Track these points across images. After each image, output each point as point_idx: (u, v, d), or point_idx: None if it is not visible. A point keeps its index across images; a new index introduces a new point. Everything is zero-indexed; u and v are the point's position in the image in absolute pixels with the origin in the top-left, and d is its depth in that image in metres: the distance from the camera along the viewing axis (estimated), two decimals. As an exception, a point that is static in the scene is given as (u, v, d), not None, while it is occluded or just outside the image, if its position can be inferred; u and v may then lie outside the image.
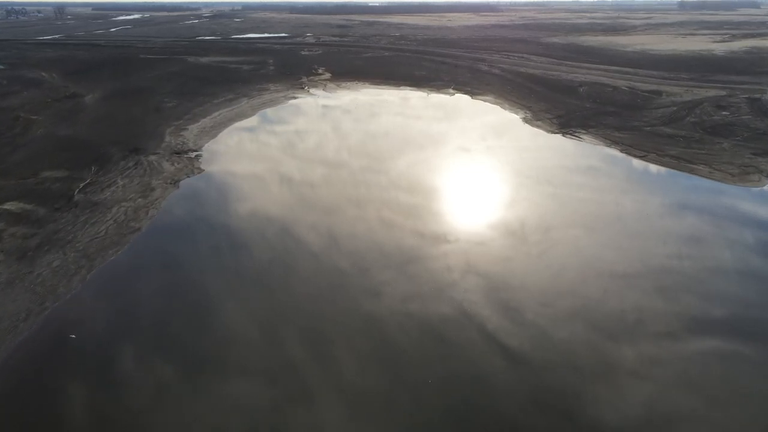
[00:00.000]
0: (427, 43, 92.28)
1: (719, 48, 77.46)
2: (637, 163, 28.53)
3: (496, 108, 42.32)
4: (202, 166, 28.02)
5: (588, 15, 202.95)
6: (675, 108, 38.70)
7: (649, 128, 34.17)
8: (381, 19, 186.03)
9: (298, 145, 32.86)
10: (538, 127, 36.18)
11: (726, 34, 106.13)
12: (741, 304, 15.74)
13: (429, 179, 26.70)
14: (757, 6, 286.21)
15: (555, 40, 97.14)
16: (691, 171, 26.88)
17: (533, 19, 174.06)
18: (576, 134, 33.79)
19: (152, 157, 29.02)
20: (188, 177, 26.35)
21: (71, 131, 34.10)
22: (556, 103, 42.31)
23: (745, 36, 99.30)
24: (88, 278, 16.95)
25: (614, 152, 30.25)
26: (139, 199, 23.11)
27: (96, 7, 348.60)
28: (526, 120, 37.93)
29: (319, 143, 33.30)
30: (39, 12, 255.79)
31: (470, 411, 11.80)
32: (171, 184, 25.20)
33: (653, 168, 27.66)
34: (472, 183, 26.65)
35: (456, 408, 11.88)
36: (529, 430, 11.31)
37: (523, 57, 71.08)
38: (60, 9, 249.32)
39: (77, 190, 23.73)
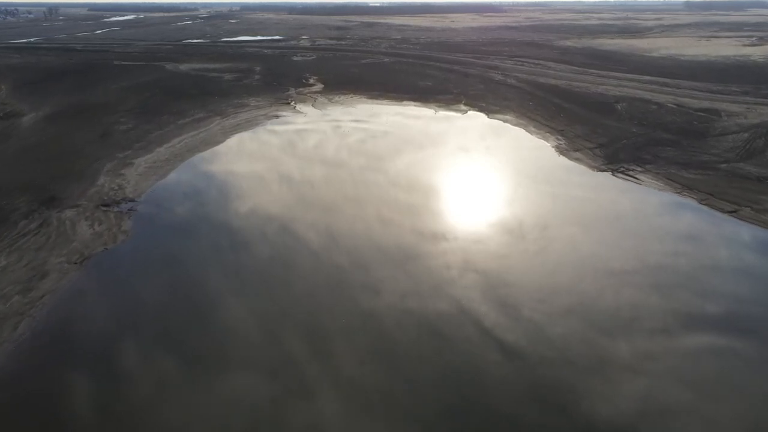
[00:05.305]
0: (431, 47, 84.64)
1: (756, 53, 69.70)
2: (732, 226, 20.67)
3: (520, 131, 34.61)
4: (131, 228, 20.37)
5: (595, 16, 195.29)
6: (746, 134, 31.00)
7: (725, 165, 26.46)
8: (381, 21, 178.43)
9: (270, 191, 25.27)
10: (576, 160, 28.47)
11: (752, 36, 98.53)
12: None
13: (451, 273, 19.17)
14: (766, 6, 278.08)
15: (569, 43, 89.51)
16: (810, 238, 19.29)
17: (540, 20, 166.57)
18: (629, 173, 26.10)
19: (68, 213, 21.41)
20: (105, 248, 18.71)
21: (-22, 169, 26.53)
22: (593, 125, 34.58)
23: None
24: None
25: (692, 203, 22.54)
26: (16, 297, 15.51)
27: (92, 7, 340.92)
28: (560, 150, 30.16)
29: (299, 186, 25.71)
30: (29, 13, 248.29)
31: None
32: (75, 263, 17.58)
33: (758, 235, 19.87)
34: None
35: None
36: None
37: (539, 64, 63.42)
38: (51, 10, 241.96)
39: (-71, 278, 16.15)
